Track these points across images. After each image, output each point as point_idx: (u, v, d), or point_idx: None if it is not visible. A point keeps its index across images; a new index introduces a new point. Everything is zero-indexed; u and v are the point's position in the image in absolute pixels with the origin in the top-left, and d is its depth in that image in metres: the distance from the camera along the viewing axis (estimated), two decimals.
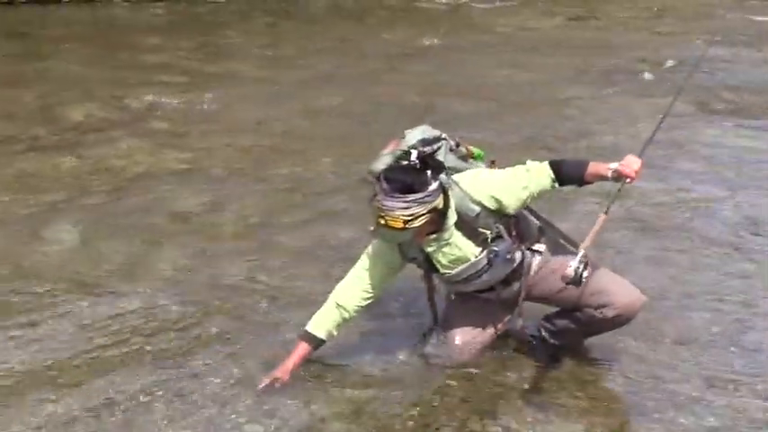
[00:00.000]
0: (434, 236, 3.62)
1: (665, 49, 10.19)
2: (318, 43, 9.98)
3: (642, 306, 3.78)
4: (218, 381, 3.77)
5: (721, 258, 5.12)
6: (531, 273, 3.84)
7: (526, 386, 3.85)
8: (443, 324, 4.03)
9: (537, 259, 3.86)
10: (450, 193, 3.60)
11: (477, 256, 3.69)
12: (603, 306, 3.72)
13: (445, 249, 3.67)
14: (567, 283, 3.50)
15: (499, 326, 4.00)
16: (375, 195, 3.50)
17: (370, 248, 3.78)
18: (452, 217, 3.62)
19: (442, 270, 3.74)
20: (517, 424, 3.58)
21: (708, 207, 5.81)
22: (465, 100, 7.82)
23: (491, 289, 3.87)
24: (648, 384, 3.88)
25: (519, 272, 3.84)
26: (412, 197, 3.44)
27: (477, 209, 3.64)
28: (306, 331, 3.75)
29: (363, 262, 3.79)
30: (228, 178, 6.08)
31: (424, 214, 3.45)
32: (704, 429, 3.57)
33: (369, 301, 3.80)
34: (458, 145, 3.84)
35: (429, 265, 3.77)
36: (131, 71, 8.63)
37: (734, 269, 4.98)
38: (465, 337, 3.95)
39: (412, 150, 3.63)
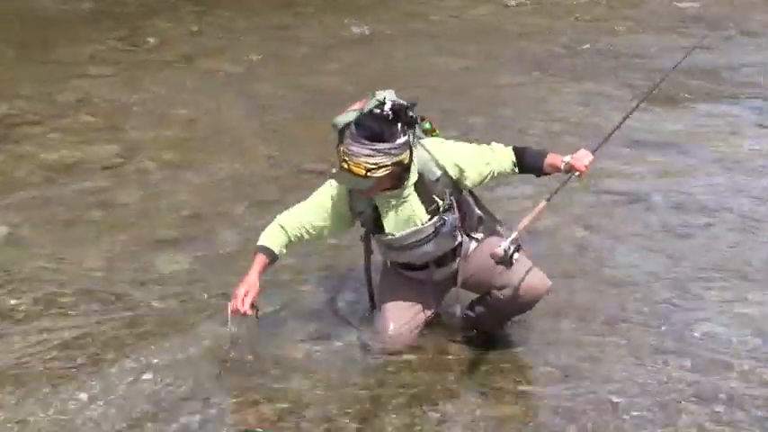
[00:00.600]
0: (390, 192, 3.63)
1: (592, 34, 10.30)
2: (250, 33, 9.88)
3: (546, 290, 3.82)
4: (150, 376, 3.74)
5: (651, 240, 5.23)
6: (467, 257, 3.86)
7: (465, 371, 3.89)
8: (379, 299, 4.04)
9: (473, 245, 3.89)
10: (415, 152, 3.63)
11: (424, 223, 3.70)
12: (504, 287, 3.77)
13: (398, 208, 3.68)
14: (497, 263, 3.52)
15: (429, 312, 4.00)
16: (341, 142, 3.57)
17: (325, 189, 3.78)
18: (413, 176, 3.64)
19: (387, 230, 3.72)
20: (455, 408, 3.62)
21: (636, 191, 5.92)
22: (401, 88, 7.65)
23: (425, 267, 3.87)
24: (584, 365, 3.95)
25: (455, 254, 3.85)
26: (380, 146, 3.47)
27: (439, 173, 3.67)
28: (259, 245, 3.74)
29: (315, 199, 3.78)
30: (161, 171, 6.01)
31: (387, 166, 3.49)
32: (636, 406, 3.65)
33: (308, 237, 3.79)
34: (422, 119, 3.87)
35: (374, 225, 3.75)
36: (58, 64, 8.46)
37: (663, 251, 5.09)
38: (398, 323, 3.95)
39: (387, 101, 3.64)
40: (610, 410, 3.63)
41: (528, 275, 3.76)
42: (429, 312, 4.02)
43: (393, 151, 3.49)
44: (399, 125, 3.54)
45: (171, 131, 6.76)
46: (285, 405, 3.58)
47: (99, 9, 10.63)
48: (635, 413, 3.61)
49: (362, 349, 4.00)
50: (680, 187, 5.98)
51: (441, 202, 3.70)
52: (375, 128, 3.50)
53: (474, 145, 3.84)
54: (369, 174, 3.47)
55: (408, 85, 7.94)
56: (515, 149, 3.81)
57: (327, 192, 3.77)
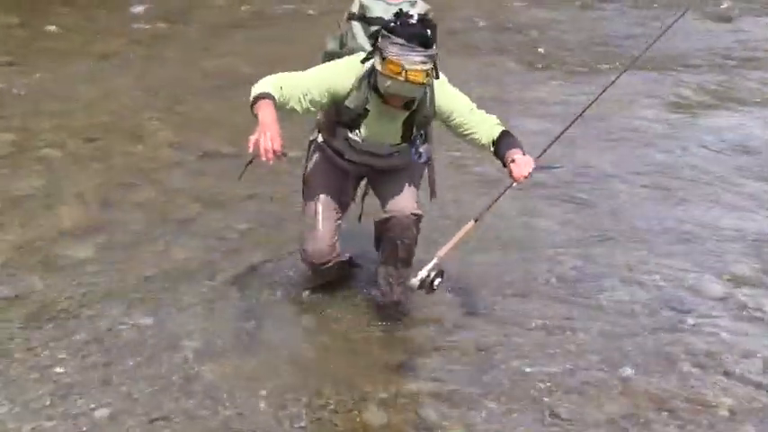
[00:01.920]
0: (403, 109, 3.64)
1: (491, 10, 10.41)
2: (147, 15, 9.68)
3: (413, 216, 3.89)
4: (62, 369, 3.68)
5: (560, 209, 5.34)
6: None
7: (380, 349, 3.92)
8: (307, 183, 4.05)
9: (423, 149, 3.89)
10: None
11: (397, 143, 3.77)
12: (382, 213, 3.94)
13: (384, 119, 3.69)
14: (417, 288, 3.48)
15: (345, 201, 4.08)
16: (376, 46, 3.49)
17: (336, 69, 3.70)
18: (417, 103, 3.66)
19: (362, 133, 3.74)
20: (372, 386, 3.65)
21: (543, 162, 6.01)
22: (297, 67, 7.75)
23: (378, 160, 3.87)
24: (495, 338, 4.02)
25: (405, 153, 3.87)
26: (431, 51, 3.45)
27: (429, 105, 3.68)
28: (259, 93, 3.50)
29: (323, 74, 3.70)
30: (62, 159, 5.85)
31: (431, 72, 3.47)
32: (545, 375, 3.74)
33: (295, 107, 3.62)
34: None
35: (351, 121, 3.72)
36: None
37: (570, 220, 5.20)
38: (327, 223, 3.98)
39: (418, 6, 3.68)
40: (522, 380, 3.71)
41: (399, 202, 3.90)
42: (346, 201, 4.09)
43: (436, 57, 3.49)
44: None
45: (71, 119, 6.58)
46: (203, 393, 3.56)
47: None
48: (547, 382, 3.70)
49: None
50: (583, 157, 6.11)
51: (416, 130, 3.75)
52: (427, 34, 3.44)
53: (473, 104, 3.81)
54: (425, 80, 3.46)
55: (307, 64, 7.92)
56: (502, 134, 3.76)
57: (338, 71, 3.68)
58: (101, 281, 4.37)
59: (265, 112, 3.40)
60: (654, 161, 6.14)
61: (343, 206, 4.06)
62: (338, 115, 3.75)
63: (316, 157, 4.03)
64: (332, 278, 4.22)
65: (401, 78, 3.41)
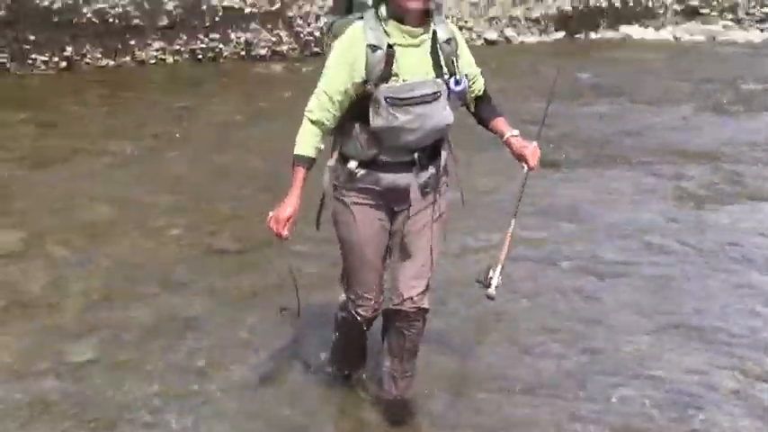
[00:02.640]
0: (413, 29, 3.61)
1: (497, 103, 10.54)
2: (157, 112, 9.85)
3: (422, 311, 3.91)
4: None
5: (564, 303, 5.32)
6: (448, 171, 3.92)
7: None
8: (346, 241, 3.91)
9: (450, 160, 3.93)
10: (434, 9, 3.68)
11: (434, 79, 3.68)
12: (393, 298, 3.93)
13: (412, 52, 3.63)
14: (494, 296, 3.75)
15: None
16: None
17: (340, 45, 3.66)
18: (432, 24, 3.68)
19: (399, 74, 3.60)
20: None
21: (549, 252, 6.03)
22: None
23: (410, 166, 3.75)
24: None
25: (438, 153, 3.84)
26: None
27: (449, 36, 3.71)
28: (301, 156, 3.68)
29: (336, 59, 3.66)
30: (68, 256, 5.88)
31: None
32: None
33: (338, 112, 3.68)
34: None
35: (384, 70, 3.58)
36: None
37: (577, 315, 5.18)
38: (379, 281, 3.95)
39: None
40: None
41: (415, 281, 3.88)
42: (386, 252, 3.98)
43: None
44: None
45: (76, 214, 6.63)
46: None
47: (1, 92, 10.47)
48: None
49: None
50: (586, 251, 6.12)
51: (446, 66, 3.70)
52: None
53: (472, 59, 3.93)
54: None
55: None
56: (485, 92, 3.98)
57: (344, 45, 3.65)
58: (106, 380, 4.34)
59: (294, 189, 3.67)
60: (660, 255, 6.14)
61: (385, 248, 3.97)
62: (370, 75, 3.60)
63: (346, 201, 3.85)
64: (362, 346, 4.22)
65: None
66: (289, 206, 3.63)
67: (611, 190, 7.58)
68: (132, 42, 12.39)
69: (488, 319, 5.05)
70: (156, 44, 12.64)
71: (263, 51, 13.29)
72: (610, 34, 16.99)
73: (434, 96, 3.65)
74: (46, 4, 11.40)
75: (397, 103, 3.60)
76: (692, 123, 10.05)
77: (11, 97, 10.21)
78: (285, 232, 3.61)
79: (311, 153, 3.69)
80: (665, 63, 14.02)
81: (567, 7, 16.62)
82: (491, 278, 3.73)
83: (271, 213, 3.62)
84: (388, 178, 3.75)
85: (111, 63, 12.27)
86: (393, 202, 3.83)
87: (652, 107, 10.79)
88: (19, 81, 11.08)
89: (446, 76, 3.69)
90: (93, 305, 5.16)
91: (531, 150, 3.89)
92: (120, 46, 12.32)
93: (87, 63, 12.08)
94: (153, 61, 12.49)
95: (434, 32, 3.67)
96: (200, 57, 12.96)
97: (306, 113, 3.69)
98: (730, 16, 18.07)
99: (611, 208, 7.09)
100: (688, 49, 15.63)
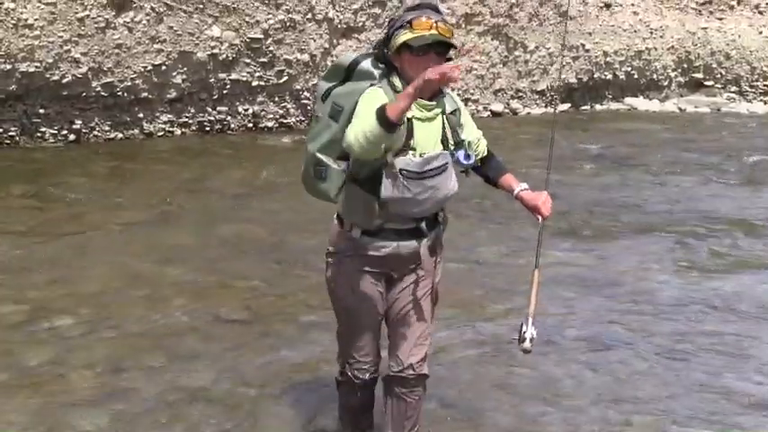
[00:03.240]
0: (427, 103, 3.68)
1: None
2: (164, 184, 9.90)
3: (422, 377, 3.99)
4: None
5: (566, 369, 5.26)
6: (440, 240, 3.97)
7: None
8: (343, 311, 3.96)
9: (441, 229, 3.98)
10: None
11: (443, 151, 3.74)
12: (390, 364, 4.01)
13: (427, 124, 3.70)
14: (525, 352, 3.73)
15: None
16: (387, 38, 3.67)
17: (366, 104, 3.58)
18: (443, 97, 3.76)
19: (417, 146, 3.65)
20: None
21: (554, 329, 5.99)
22: (313, 235, 7.87)
23: (417, 233, 3.82)
24: None
25: (435, 223, 3.91)
26: (443, 15, 3.69)
27: (455, 107, 3.83)
28: (379, 119, 3.41)
29: (361, 116, 3.57)
30: (73, 327, 5.83)
31: (456, 44, 3.71)
32: None
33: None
34: None
35: (404, 140, 3.62)
36: None
37: (590, 389, 5.11)
38: (375, 346, 4.02)
39: None
40: None
41: (415, 349, 3.94)
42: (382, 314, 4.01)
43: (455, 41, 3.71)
44: None
45: (83, 286, 6.61)
46: None
47: (6, 165, 10.54)
48: None
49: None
50: (592, 322, 6.08)
51: (451, 136, 3.77)
52: (436, 8, 3.69)
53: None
54: (453, 36, 3.65)
55: (321, 232, 8.03)
56: (489, 151, 4.02)
57: (376, 95, 3.61)
58: None
59: (407, 97, 3.45)
60: (668, 326, 6.09)
61: (382, 316, 4.00)
62: (390, 145, 3.57)
63: (346, 267, 3.89)
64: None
65: (434, 32, 3.58)
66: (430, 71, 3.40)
67: (616, 260, 7.55)
68: (140, 115, 12.51)
69: (492, 386, 4.99)
70: (164, 117, 12.76)
71: (270, 124, 13.42)
72: (615, 106, 17.16)
73: (444, 168, 3.74)
74: (56, 78, 11.54)
75: (413, 176, 3.66)
76: (697, 194, 10.07)
77: (19, 170, 10.27)
78: (457, 73, 3.41)
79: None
80: (670, 134, 14.12)
81: (573, 79, 16.79)
82: (525, 332, 3.73)
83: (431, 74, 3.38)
84: (392, 246, 3.80)
85: (120, 136, 12.38)
86: (394, 269, 3.88)
87: (657, 178, 10.84)
88: (28, 154, 11.16)
89: (452, 148, 3.77)
90: (99, 377, 5.10)
91: (543, 200, 3.93)
92: (128, 119, 12.44)
93: (96, 136, 12.19)
94: (161, 133, 12.60)
95: (446, 99, 3.80)
96: (207, 129, 13.07)
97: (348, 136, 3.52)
98: (734, 88, 18.26)
99: (617, 277, 7.05)
100: (693, 120, 15.78)
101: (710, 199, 9.84)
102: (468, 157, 3.77)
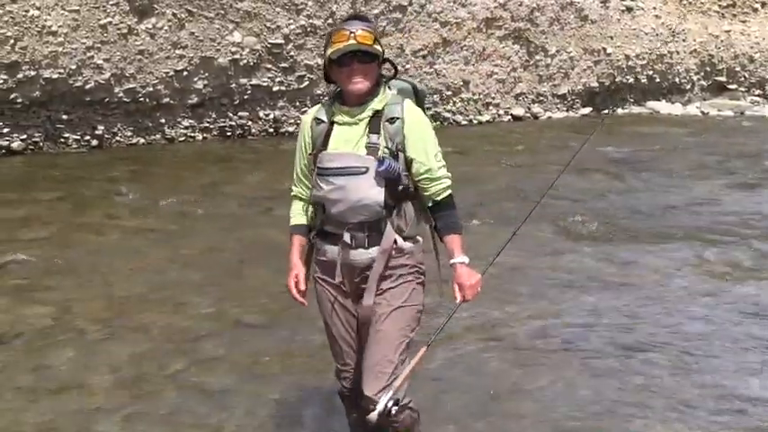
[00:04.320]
0: (352, 108, 3.67)
1: (523, 179, 10.60)
2: (186, 189, 9.96)
3: (375, 407, 3.51)
4: None
5: (592, 380, 5.23)
6: (393, 255, 3.68)
7: None
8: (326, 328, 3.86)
9: (407, 245, 3.71)
10: (385, 88, 3.73)
11: (361, 154, 3.63)
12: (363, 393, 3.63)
13: (347, 128, 3.68)
14: (377, 421, 3.45)
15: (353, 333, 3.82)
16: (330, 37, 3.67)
17: (300, 129, 3.87)
18: (377, 102, 3.68)
19: (329, 147, 3.67)
20: None
21: (579, 331, 5.96)
22: None
23: (342, 241, 3.65)
24: None
25: (379, 232, 3.66)
26: (371, 24, 3.70)
27: (398, 116, 3.65)
28: (291, 226, 3.86)
29: (296, 157, 3.86)
30: (97, 330, 5.88)
31: (380, 53, 3.63)
32: None
33: (309, 184, 3.79)
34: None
35: (323, 142, 3.69)
36: None
37: (605, 393, 5.09)
38: (355, 355, 3.83)
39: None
40: None
41: (372, 377, 3.60)
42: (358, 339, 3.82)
43: (380, 46, 3.66)
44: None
45: (108, 290, 6.66)
46: None
47: (31, 171, 10.63)
48: None
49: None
50: (615, 327, 6.04)
51: (384, 149, 3.62)
52: (364, 15, 3.81)
53: (437, 150, 3.73)
54: (375, 44, 3.62)
55: None
56: (445, 200, 3.74)
57: (301, 126, 3.88)
58: None
59: (291, 254, 3.82)
60: (691, 331, 6.05)
61: (355, 344, 3.83)
62: (313, 145, 3.75)
63: (315, 267, 3.86)
64: None
65: (352, 41, 3.57)
66: (290, 271, 3.77)
67: (638, 264, 7.52)
68: (162, 120, 12.60)
69: (508, 395, 4.98)
70: (186, 122, 12.84)
71: (291, 128, 13.46)
72: (637, 110, 17.10)
73: (357, 170, 3.62)
74: (79, 84, 11.64)
75: (321, 172, 3.70)
76: (719, 198, 10.01)
77: (44, 175, 10.35)
78: (296, 293, 3.74)
79: (297, 221, 3.86)
80: (693, 138, 14.04)
81: (594, 84, 16.74)
82: (379, 402, 3.45)
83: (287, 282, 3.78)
84: (330, 249, 3.74)
85: (142, 141, 12.46)
86: (342, 279, 3.72)
87: (679, 182, 10.78)
88: (51, 159, 11.25)
89: (382, 154, 3.62)
90: (121, 381, 5.13)
91: (473, 283, 3.68)
92: (150, 124, 12.53)
93: (118, 141, 12.28)
94: (182, 139, 12.68)
95: (378, 111, 3.67)
96: (228, 134, 13.14)
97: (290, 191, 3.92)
98: (758, 92, 18.16)
99: (639, 282, 7.02)
100: (716, 124, 15.69)
101: (734, 203, 9.78)
102: (381, 163, 3.57)
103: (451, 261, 3.71)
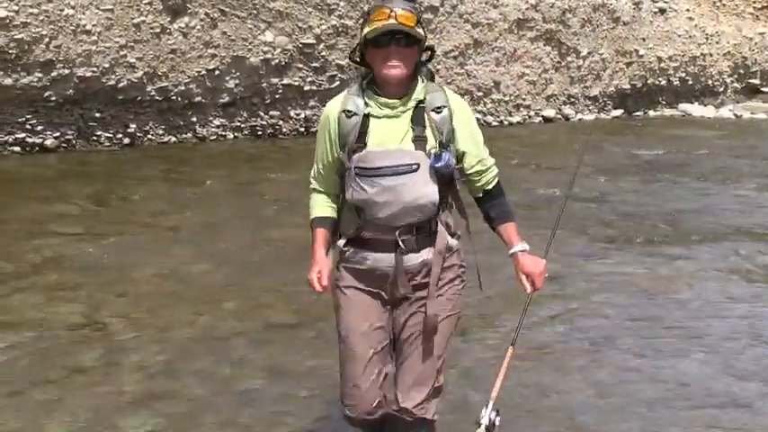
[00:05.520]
0: (391, 100, 3.38)
1: (554, 181, 10.55)
2: (216, 188, 10.01)
3: (428, 421, 3.48)
4: None
5: (625, 386, 5.19)
6: (446, 256, 3.49)
7: None
8: (339, 321, 3.57)
9: (454, 242, 3.53)
10: (424, 80, 3.45)
11: (410, 150, 3.36)
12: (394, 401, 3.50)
13: (387, 121, 3.38)
14: None
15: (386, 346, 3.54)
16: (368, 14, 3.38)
17: (321, 119, 3.57)
18: (417, 92, 3.41)
19: (369, 144, 3.36)
20: None
21: (605, 337, 5.93)
22: None
23: (395, 246, 3.40)
24: None
25: (431, 234, 3.44)
26: (413, 4, 3.37)
27: (443, 104, 3.40)
28: (315, 218, 3.62)
29: (318, 135, 3.58)
30: (125, 329, 5.91)
31: (422, 37, 3.33)
32: None
33: (333, 181, 3.56)
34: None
35: (356, 140, 3.38)
36: (23, 223, 8.45)
37: (638, 398, 5.06)
38: (370, 377, 3.49)
39: None
40: None
41: (415, 390, 3.45)
42: (389, 350, 3.55)
43: (423, 30, 3.35)
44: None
45: (137, 288, 6.71)
46: None
47: (65, 168, 10.72)
48: None
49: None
50: (646, 332, 6.00)
51: (434, 141, 3.36)
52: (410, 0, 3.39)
53: (482, 137, 3.55)
54: (418, 25, 3.31)
55: None
56: (495, 189, 3.56)
57: (324, 113, 3.55)
58: None
59: (316, 247, 3.56)
60: (720, 334, 5.99)
61: (384, 342, 3.54)
62: (344, 144, 3.43)
63: (339, 283, 3.57)
64: None
65: (392, 21, 3.27)
66: (313, 265, 3.52)
67: (668, 267, 7.46)
68: (194, 119, 12.67)
69: (538, 397, 4.96)
70: (217, 121, 12.90)
71: None
72: (669, 112, 16.98)
73: (409, 168, 3.33)
74: (111, 83, 11.73)
75: (364, 173, 3.37)
76: (753, 202, 9.92)
77: (76, 173, 10.44)
78: (318, 287, 3.47)
79: (321, 213, 3.62)
80: (726, 141, 13.92)
81: (626, 85, 16.64)
82: (482, 417, 3.37)
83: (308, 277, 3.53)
84: (372, 257, 3.45)
85: (173, 139, 12.53)
86: (382, 288, 3.47)
87: (711, 185, 10.69)
88: (83, 157, 11.35)
89: (432, 149, 3.36)
90: (149, 378, 5.16)
91: (542, 270, 3.50)
92: (181, 123, 12.61)
93: (150, 139, 12.36)
94: (213, 138, 12.74)
95: (420, 101, 3.40)
96: (259, 133, 13.18)
97: (309, 184, 3.69)
98: None
99: (669, 285, 6.97)
100: (748, 126, 15.54)
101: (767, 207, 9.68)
102: (437, 157, 3.33)
103: (513, 250, 3.51)
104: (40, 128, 11.50)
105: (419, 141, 3.35)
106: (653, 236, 8.48)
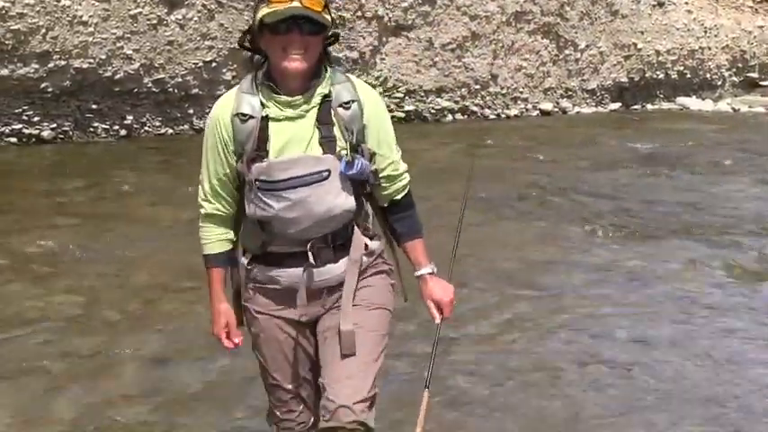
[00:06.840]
0: (292, 98, 2.90)
1: (552, 174, 10.54)
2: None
3: (362, 427, 2.92)
4: None
5: (618, 378, 5.20)
6: (365, 259, 3.06)
7: None
8: (259, 360, 3.22)
9: (375, 244, 3.12)
10: (331, 70, 2.98)
11: (318, 155, 2.91)
12: (323, 414, 2.97)
13: (289, 123, 2.91)
14: None
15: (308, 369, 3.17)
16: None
17: (207, 130, 3.07)
18: (322, 86, 2.93)
19: (271, 153, 2.89)
20: None
21: (602, 329, 5.93)
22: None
23: (303, 259, 2.97)
24: None
25: (346, 242, 3.02)
26: None
27: (352, 98, 2.94)
28: (209, 256, 3.13)
29: (203, 161, 3.10)
30: (122, 320, 5.91)
31: (328, 25, 2.87)
32: None
33: (230, 198, 3.05)
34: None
35: (255, 146, 2.90)
36: (19, 214, 8.44)
37: (632, 389, 5.06)
38: (300, 403, 3.21)
39: None
40: None
41: (349, 385, 2.92)
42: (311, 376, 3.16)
43: (330, 16, 2.88)
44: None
45: (133, 279, 6.70)
46: None
47: (61, 160, 10.70)
48: None
49: None
50: (643, 323, 6.00)
51: (344, 142, 2.92)
52: None
53: (395, 138, 3.11)
54: (324, 11, 2.84)
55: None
56: (408, 197, 3.16)
57: (210, 123, 3.04)
58: None
59: (213, 295, 3.15)
60: (716, 328, 5.99)
61: (307, 365, 3.17)
62: (240, 153, 2.95)
63: (249, 306, 3.16)
64: None
65: (295, 3, 2.78)
66: (216, 317, 3.12)
67: (665, 261, 7.46)
68: (191, 111, 12.64)
69: (541, 390, 4.96)
70: None
71: None
72: (667, 105, 16.98)
73: (319, 176, 2.89)
74: (108, 74, 11.70)
75: (267, 187, 2.91)
76: (750, 196, 9.91)
77: (72, 164, 10.42)
78: (229, 344, 3.12)
79: (216, 248, 3.12)
80: (723, 135, 13.93)
81: (624, 79, 16.64)
82: None
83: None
84: (284, 275, 3.02)
85: (170, 131, 12.51)
86: (297, 306, 3.05)
87: (709, 179, 10.68)
88: (80, 148, 11.33)
89: (343, 152, 2.92)
90: (147, 368, 5.17)
91: (450, 299, 3.14)
92: (178, 114, 12.58)
93: (146, 131, 12.34)
94: None
95: (326, 96, 2.94)
96: None
97: (198, 207, 3.13)
98: None
99: (666, 278, 6.97)
100: (747, 120, 15.55)
101: (764, 202, 9.67)
102: (348, 164, 2.89)
103: (420, 272, 3.12)
104: (36, 119, 11.47)
105: (327, 143, 2.91)
106: (649, 228, 8.47)
